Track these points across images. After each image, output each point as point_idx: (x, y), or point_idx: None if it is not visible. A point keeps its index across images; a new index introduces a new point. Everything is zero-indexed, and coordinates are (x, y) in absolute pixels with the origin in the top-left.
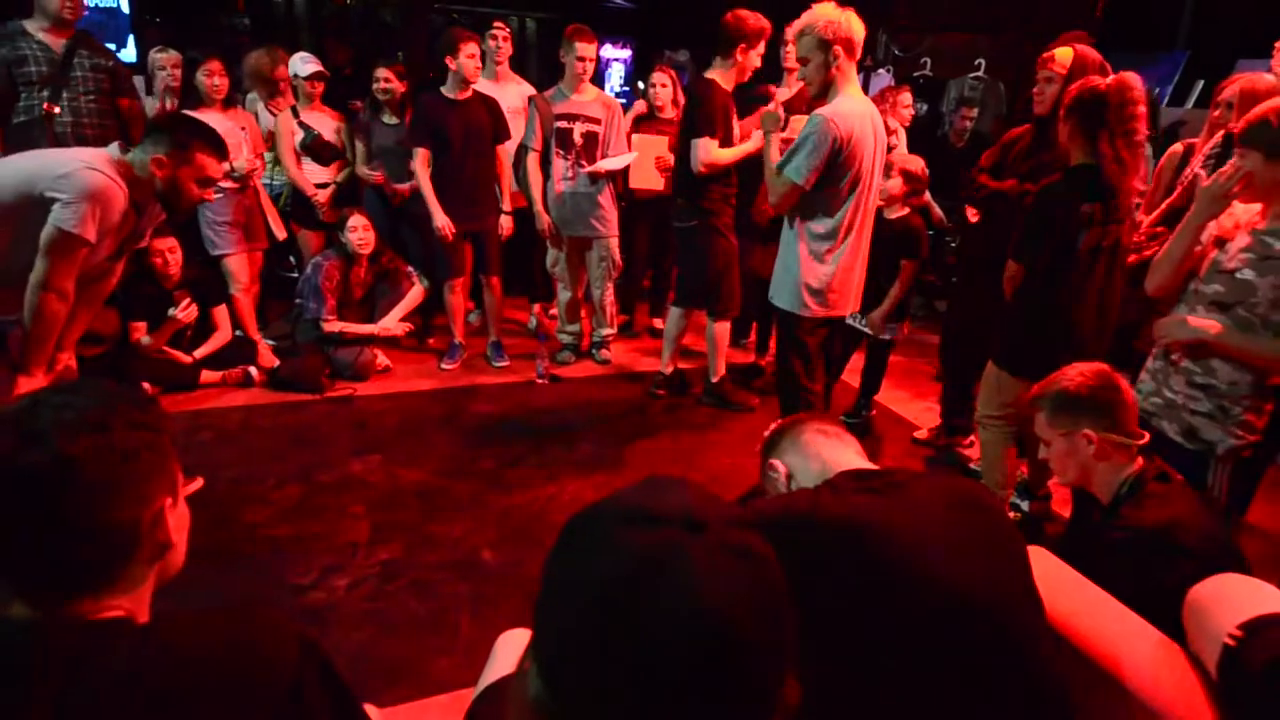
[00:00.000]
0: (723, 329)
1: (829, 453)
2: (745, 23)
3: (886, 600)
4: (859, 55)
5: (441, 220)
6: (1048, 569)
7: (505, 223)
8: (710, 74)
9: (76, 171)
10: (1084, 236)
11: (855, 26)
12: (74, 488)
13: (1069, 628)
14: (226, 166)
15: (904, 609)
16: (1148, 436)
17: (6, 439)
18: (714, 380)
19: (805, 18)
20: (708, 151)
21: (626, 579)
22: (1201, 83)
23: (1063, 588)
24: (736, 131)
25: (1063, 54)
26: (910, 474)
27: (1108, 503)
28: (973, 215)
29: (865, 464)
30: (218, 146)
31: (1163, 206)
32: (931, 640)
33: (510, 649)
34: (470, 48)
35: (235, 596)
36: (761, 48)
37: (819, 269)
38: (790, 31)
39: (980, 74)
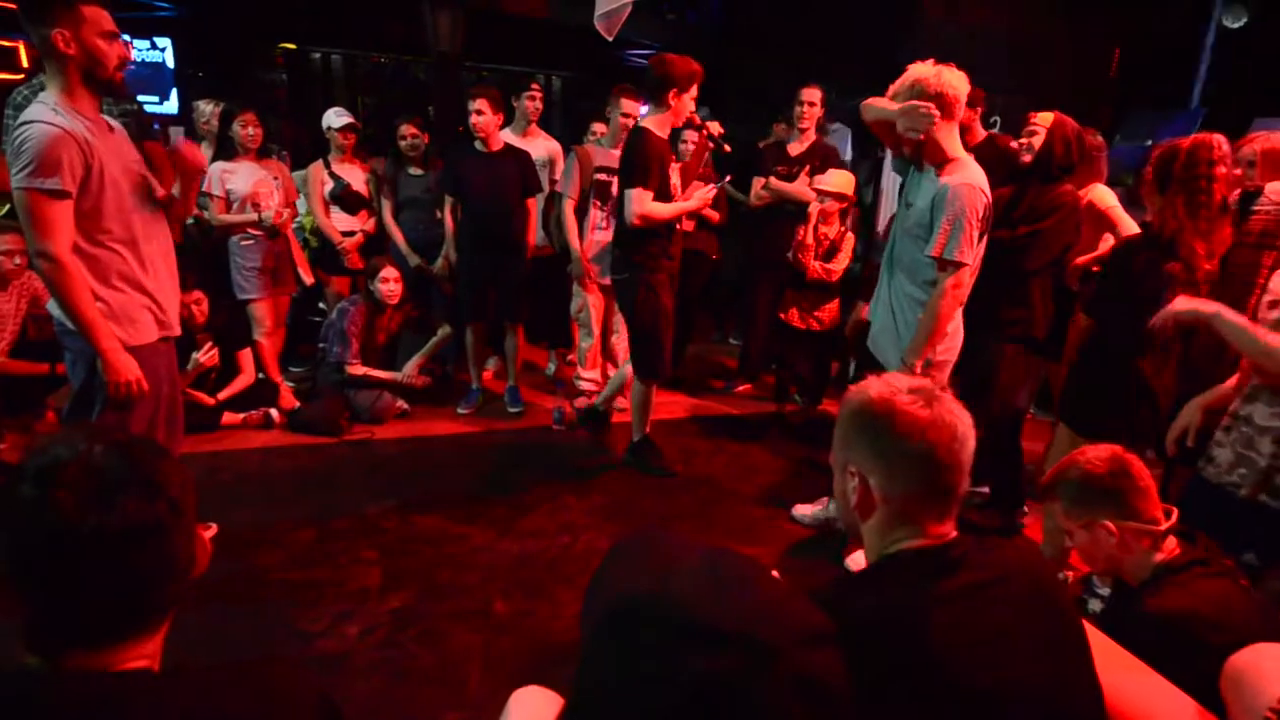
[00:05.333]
0: (641, 389)
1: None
2: (674, 66)
3: (942, 708)
4: (960, 113)
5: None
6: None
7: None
8: (645, 122)
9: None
10: (1165, 297)
11: (955, 81)
12: (113, 549)
13: (1106, 698)
14: (255, 216)
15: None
16: (1175, 518)
17: (39, 494)
18: (634, 440)
19: (903, 79)
20: (641, 203)
21: (683, 713)
22: None
23: (1100, 657)
24: (675, 179)
25: (1044, 116)
26: (976, 552)
27: (1135, 588)
28: None
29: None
30: None
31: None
32: None
33: (523, 709)
34: (476, 104)
35: (247, 642)
36: (695, 91)
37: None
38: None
39: (996, 130)
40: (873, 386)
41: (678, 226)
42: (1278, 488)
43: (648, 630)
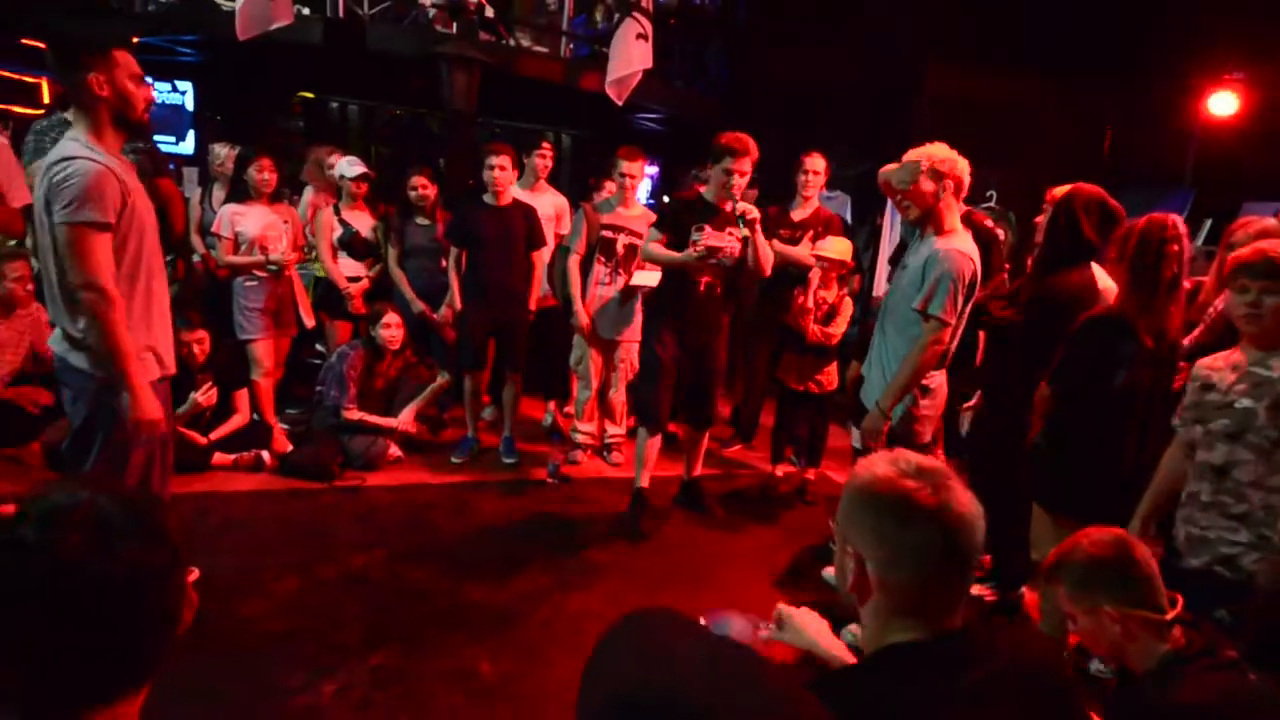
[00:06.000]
0: (641, 435)
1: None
2: (714, 140)
3: None
4: (965, 194)
5: (457, 304)
6: None
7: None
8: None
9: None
10: (1122, 374)
11: (964, 168)
12: (118, 595)
13: None
14: (262, 259)
15: None
16: (1180, 607)
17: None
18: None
19: (920, 149)
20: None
21: None
22: (1210, 221)
23: None
24: (696, 236)
25: (1059, 190)
26: (978, 642)
27: (1141, 678)
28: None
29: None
30: (108, 42)
31: (1186, 341)
32: None
33: None
34: (496, 160)
35: (222, 696)
36: (728, 163)
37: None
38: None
39: (993, 204)
40: (879, 464)
41: (697, 291)
42: (1229, 558)
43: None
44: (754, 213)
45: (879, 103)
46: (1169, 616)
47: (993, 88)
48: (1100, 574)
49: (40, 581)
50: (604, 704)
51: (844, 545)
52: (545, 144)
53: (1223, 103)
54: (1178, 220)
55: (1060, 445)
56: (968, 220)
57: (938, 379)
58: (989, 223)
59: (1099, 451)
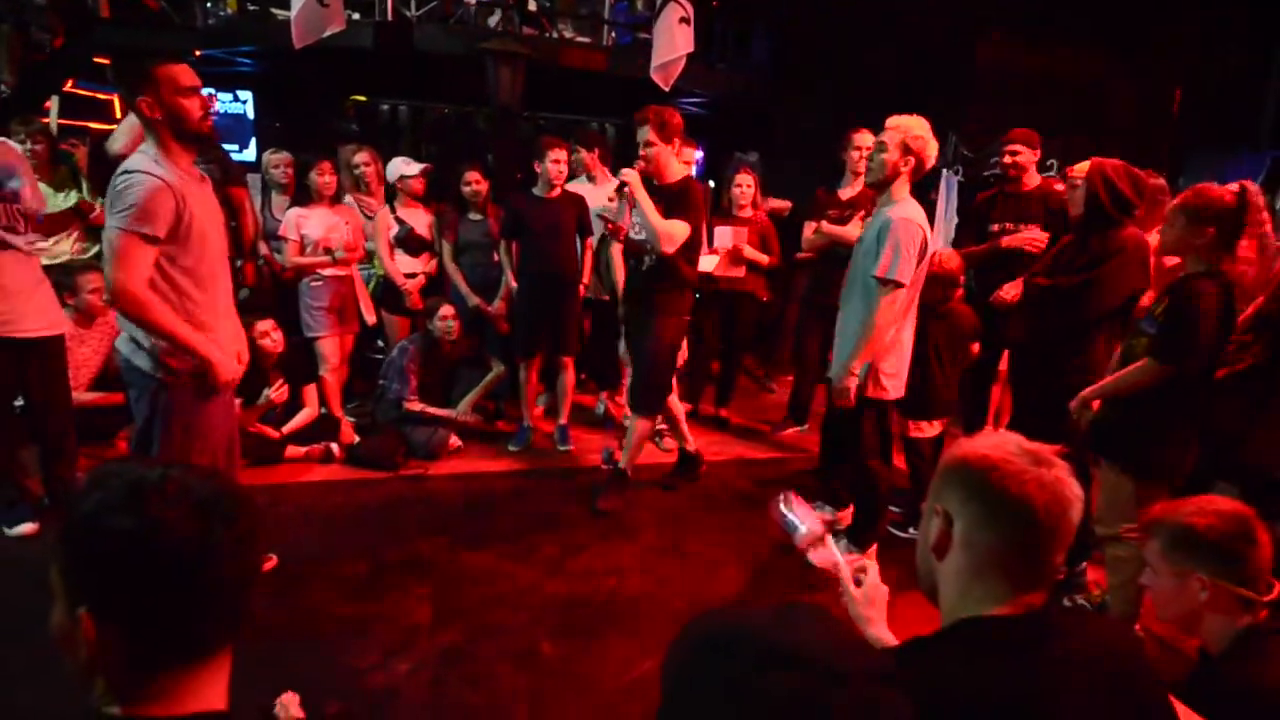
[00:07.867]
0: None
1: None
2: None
3: None
4: (923, 174)
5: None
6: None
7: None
8: None
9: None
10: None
11: (932, 150)
12: (223, 554)
13: None
14: (328, 258)
15: None
16: (1276, 592)
17: (171, 510)
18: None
19: (902, 119)
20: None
21: None
22: None
23: None
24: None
25: (1081, 166)
26: (1051, 622)
27: (1215, 654)
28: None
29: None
30: (166, 57)
31: (1248, 311)
32: None
33: None
34: (555, 154)
35: (301, 677)
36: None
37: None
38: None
39: (1053, 173)
40: (982, 442)
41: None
42: None
43: (729, 660)
44: (628, 176)
45: (930, 79)
46: (1265, 599)
47: (1049, 57)
48: (1213, 543)
49: (143, 543)
50: (687, 646)
51: (932, 510)
52: (578, 139)
53: None
54: (1202, 187)
55: (1169, 415)
56: (1041, 188)
57: (902, 348)
58: (1061, 191)
59: (1219, 420)
